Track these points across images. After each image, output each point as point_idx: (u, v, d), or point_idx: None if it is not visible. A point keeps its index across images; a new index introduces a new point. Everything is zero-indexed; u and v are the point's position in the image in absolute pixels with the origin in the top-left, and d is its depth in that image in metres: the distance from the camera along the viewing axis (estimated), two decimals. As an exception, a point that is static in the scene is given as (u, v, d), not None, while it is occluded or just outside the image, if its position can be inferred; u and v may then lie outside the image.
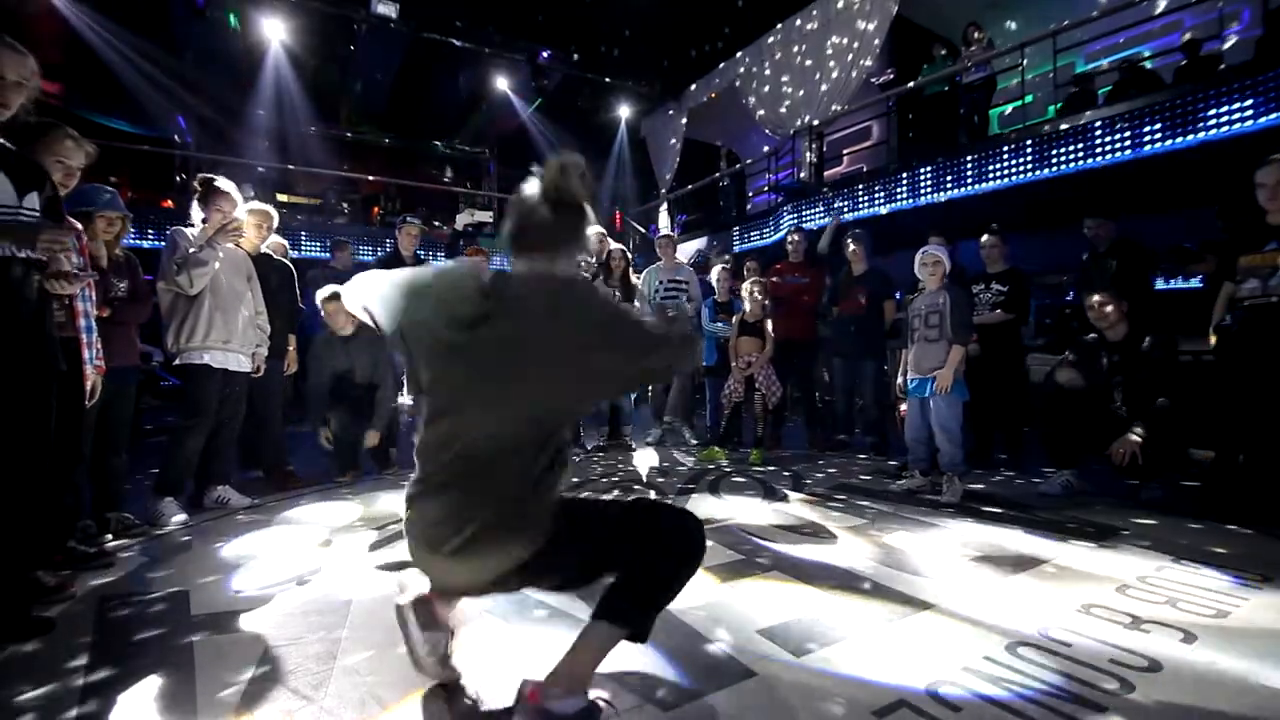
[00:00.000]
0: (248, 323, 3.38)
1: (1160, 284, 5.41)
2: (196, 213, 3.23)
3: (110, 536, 2.76)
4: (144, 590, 2.17)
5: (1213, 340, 3.16)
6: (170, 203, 9.39)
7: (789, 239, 5.39)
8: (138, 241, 8.13)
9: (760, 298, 4.79)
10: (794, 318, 5.12)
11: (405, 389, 4.49)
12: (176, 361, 3.18)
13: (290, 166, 10.92)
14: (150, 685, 1.54)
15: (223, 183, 3.22)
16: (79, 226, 2.36)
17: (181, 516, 3.02)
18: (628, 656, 1.62)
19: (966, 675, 1.52)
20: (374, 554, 2.54)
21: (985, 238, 4.45)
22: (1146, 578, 2.16)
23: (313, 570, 2.34)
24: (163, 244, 3.26)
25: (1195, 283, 5.83)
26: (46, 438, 1.84)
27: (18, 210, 1.78)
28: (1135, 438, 3.06)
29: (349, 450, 4.02)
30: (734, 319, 4.95)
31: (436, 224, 10.63)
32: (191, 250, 3.07)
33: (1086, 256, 4.32)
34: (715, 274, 5.18)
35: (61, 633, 1.82)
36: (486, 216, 10.74)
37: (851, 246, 4.91)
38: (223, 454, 3.42)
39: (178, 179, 9.56)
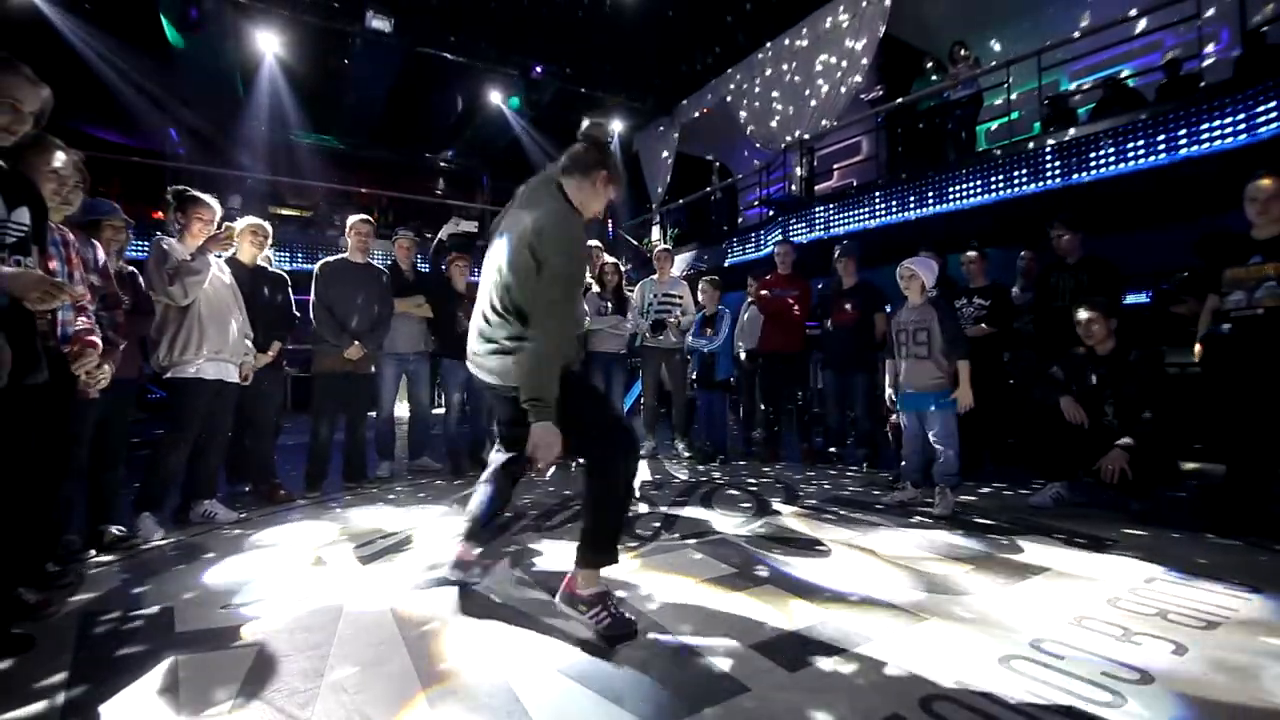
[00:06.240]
0: (239, 332, 3.35)
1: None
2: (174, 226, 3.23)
3: (94, 552, 2.71)
4: (128, 607, 2.13)
5: (1198, 352, 3.20)
6: (161, 214, 9.36)
7: (777, 252, 5.42)
8: (128, 252, 8.06)
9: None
10: (784, 330, 5.14)
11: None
12: (168, 375, 3.13)
13: (282, 179, 10.91)
14: (133, 703, 1.51)
15: (198, 193, 3.25)
16: (70, 236, 2.34)
17: (159, 533, 2.97)
18: (622, 674, 1.62)
19: (960, 689, 1.51)
20: (361, 569, 2.51)
21: (966, 254, 4.52)
22: (1137, 589, 2.17)
23: (299, 586, 2.31)
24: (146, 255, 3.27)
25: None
26: (27, 453, 1.81)
27: (5, 224, 1.77)
28: (1122, 452, 3.09)
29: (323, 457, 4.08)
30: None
31: (429, 235, 10.66)
32: (183, 259, 3.05)
33: (1040, 271, 4.31)
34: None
35: (42, 650, 1.78)
36: (472, 227, 10.75)
37: (840, 260, 4.95)
38: (210, 468, 3.37)
39: (168, 190, 9.53)
